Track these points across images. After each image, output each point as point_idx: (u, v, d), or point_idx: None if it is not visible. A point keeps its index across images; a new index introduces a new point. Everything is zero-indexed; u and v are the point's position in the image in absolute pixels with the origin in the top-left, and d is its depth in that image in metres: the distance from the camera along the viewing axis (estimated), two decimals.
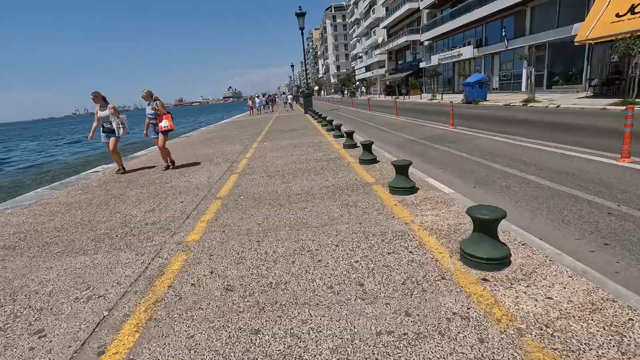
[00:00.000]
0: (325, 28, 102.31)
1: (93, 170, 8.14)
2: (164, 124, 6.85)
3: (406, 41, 41.21)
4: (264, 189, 4.97)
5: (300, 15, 21.22)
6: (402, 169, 4.15)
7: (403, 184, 4.11)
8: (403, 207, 3.70)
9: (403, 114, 16.99)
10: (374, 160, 6.01)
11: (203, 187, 5.34)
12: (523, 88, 22.87)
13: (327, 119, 12.86)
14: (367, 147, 6.05)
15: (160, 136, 6.95)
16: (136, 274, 2.72)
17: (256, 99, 29.10)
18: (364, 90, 62.52)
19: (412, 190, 4.14)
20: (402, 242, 2.88)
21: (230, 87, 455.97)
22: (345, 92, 66.69)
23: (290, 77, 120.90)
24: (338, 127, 9.76)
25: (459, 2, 30.02)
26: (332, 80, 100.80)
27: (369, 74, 62.95)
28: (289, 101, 36.31)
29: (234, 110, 64.34)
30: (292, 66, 54.07)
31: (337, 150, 7.66)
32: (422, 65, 39.08)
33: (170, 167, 7.22)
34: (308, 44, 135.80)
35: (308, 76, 30.39)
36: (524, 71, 22.32)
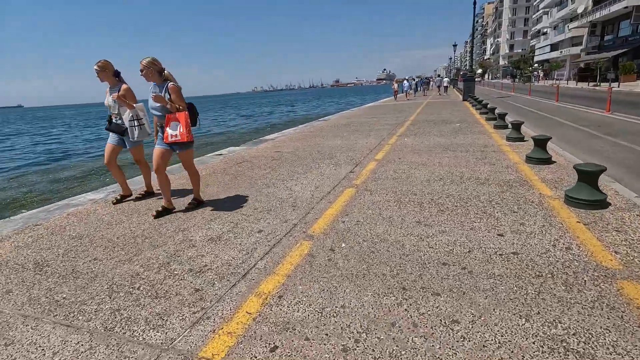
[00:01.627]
0: (502, 0, 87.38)
1: (216, 153, 7.74)
2: (172, 130, 3.52)
3: (625, 7, 30.22)
4: (383, 230, 3.00)
5: None
6: None
7: None
8: None
9: (619, 109, 11.72)
10: (602, 204, 3.19)
11: (300, 206, 3.74)
12: None
13: (497, 111, 9.59)
14: (589, 176, 3.23)
15: (159, 149, 3.64)
16: None
17: (405, 81, 26.12)
18: (541, 75, 50.72)
19: None
20: None
21: (384, 69, 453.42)
22: (518, 77, 55.90)
23: (450, 58, 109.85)
24: (516, 126, 6.71)
25: None
26: (502, 62, 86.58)
27: (554, 54, 50.54)
28: (444, 85, 32.08)
29: (385, 93, 62.41)
30: (455, 45, 47.88)
31: (514, 166, 4.91)
32: None
33: (162, 210, 3.75)
34: (477, 21, 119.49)
35: (471, 57, 25.68)
36: None
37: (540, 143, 4.93)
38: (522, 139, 6.59)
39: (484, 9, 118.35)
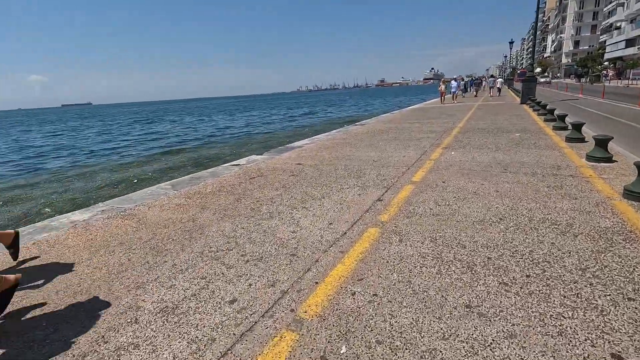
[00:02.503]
0: None
1: (234, 163, 6.99)
2: None
3: None
4: (411, 319, 1.94)
5: None
6: None
7: None
8: None
9: None
10: None
11: (301, 257, 2.76)
12: None
13: (567, 118, 7.93)
14: None
15: None
16: None
17: (453, 82, 23.77)
18: (611, 74, 45.16)
19: None
20: None
21: (432, 69, 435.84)
22: (585, 76, 50.48)
23: (506, 56, 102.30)
24: (601, 143, 5.17)
25: None
26: (564, 60, 79.09)
27: (630, 51, 44.85)
28: (498, 85, 29.39)
29: (432, 94, 59.46)
30: (511, 42, 44.13)
31: (607, 202, 3.54)
32: None
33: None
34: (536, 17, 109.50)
35: (529, 56, 23.06)
36: None
37: None
38: (609, 159, 5.08)
39: (545, 2, 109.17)
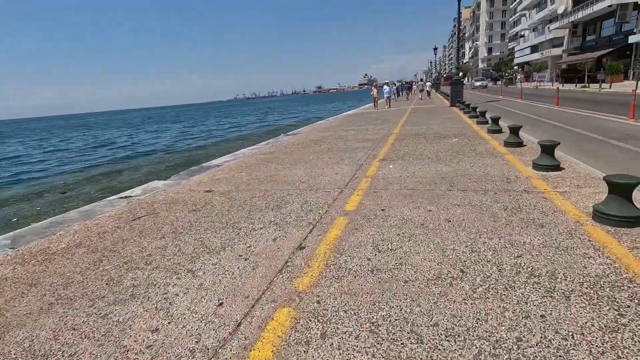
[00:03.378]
0: (478, 4, 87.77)
1: (124, 194, 5.42)
2: None
3: (609, 6, 29.39)
4: None
5: None
6: None
7: None
8: None
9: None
10: None
11: None
12: None
13: (502, 121, 7.64)
14: None
15: None
16: None
17: (385, 86, 23.66)
18: (520, 77, 49.86)
19: None
20: None
21: (366, 75, 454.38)
22: (500, 80, 55.34)
23: (431, 62, 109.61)
24: (547, 149, 4.65)
25: None
26: (481, 66, 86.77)
27: (535, 56, 50.06)
28: (427, 89, 30.62)
29: (366, 99, 60.92)
30: (435, 49, 46.80)
31: (579, 229, 2.82)
32: (633, 39, 27.21)
33: None
34: (454, 25, 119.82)
35: (450, 62, 24.11)
36: None
37: (621, 188, 2.86)
38: (557, 167, 4.58)
39: (461, 13, 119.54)
